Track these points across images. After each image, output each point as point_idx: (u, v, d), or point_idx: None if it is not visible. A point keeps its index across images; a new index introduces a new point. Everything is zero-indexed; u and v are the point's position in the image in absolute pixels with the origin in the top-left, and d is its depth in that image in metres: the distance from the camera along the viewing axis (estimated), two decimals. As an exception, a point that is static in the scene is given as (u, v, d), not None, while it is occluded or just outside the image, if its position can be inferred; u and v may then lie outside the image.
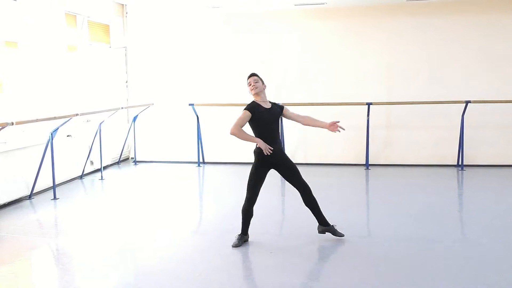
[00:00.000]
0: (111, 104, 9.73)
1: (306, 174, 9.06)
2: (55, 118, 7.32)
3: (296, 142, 10.08)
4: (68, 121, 7.59)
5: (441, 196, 7.49)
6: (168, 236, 5.61)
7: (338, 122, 5.26)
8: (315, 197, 5.36)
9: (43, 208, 6.89)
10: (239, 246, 5.14)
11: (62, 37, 8.43)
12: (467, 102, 9.04)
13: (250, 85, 5.20)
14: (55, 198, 7.28)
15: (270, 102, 5.25)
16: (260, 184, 5.21)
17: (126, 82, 10.68)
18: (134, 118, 10.30)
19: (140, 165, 10.24)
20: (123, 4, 10.43)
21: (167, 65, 10.37)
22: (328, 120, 5.48)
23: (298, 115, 5.37)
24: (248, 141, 5.13)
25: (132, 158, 10.75)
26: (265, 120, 5.11)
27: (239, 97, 9.99)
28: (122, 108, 9.60)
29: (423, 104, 9.33)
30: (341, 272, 4.49)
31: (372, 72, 9.85)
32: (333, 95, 9.79)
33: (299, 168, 5.43)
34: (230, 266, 4.67)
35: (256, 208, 6.81)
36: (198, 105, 9.86)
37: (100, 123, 8.93)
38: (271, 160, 5.12)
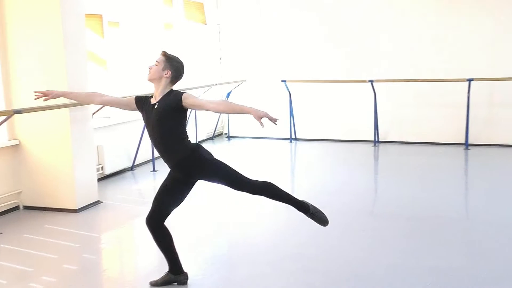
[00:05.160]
0: (205, 81, 10.00)
1: (401, 154, 8.95)
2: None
3: (390, 120, 9.78)
4: (166, 97, 7.88)
5: (549, 178, 6.98)
6: (258, 211, 5.71)
7: (276, 119, 3.39)
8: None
9: (144, 179, 7.28)
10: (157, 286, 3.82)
11: (160, 16, 8.74)
12: None
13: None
14: (154, 170, 7.65)
15: (171, 91, 3.65)
16: (166, 196, 3.70)
17: (220, 59, 10.90)
18: (228, 95, 10.50)
19: (233, 140, 10.47)
20: (217, -18, 10.59)
21: (259, 42, 10.44)
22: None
23: (207, 102, 3.64)
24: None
25: (225, 133, 11.00)
26: (146, 119, 3.70)
27: (332, 74, 9.88)
28: (216, 84, 9.83)
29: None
30: (435, 252, 4.35)
31: (474, 45, 9.24)
32: (431, 70, 9.35)
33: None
34: (319, 242, 4.68)
35: (347, 186, 6.78)
36: (290, 81, 9.86)
37: (195, 99, 9.19)
38: (172, 171, 3.72)
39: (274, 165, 8.35)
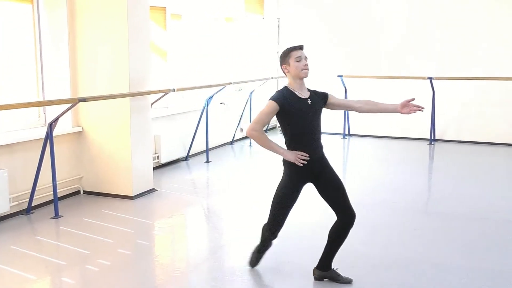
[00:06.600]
0: (261, 74, 10.08)
1: (458, 153, 8.71)
2: (210, 86, 7.80)
3: (447, 118, 9.51)
4: (222, 89, 8.02)
5: None
6: (310, 204, 5.72)
7: (413, 99, 3.67)
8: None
9: (197, 170, 7.45)
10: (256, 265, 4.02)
11: (220, 9, 8.87)
12: None
13: (300, 62, 3.60)
14: (207, 161, 7.81)
15: (308, 89, 3.75)
16: (292, 204, 3.75)
17: (277, 52, 10.93)
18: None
19: (286, 134, 10.48)
20: (277, -25, 10.62)
21: (317, 37, 10.39)
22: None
23: (351, 101, 3.97)
24: (270, 150, 3.60)
25: (279, 127, 11.01)
26: (301, 115, 3.58)
27: (389, 69, 9.71)
28: (272, 78, 9.89)
29: None
30: (489, 254, 4.23)
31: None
32: (492, 67, 9.00)
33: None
34: (368, 240, 4.66)
35: (400, 184, 6.67)
36: (347, 76, 9.77)
37: (251, 92, 9.30)
38: (310, 169, 3.66)
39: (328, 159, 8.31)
